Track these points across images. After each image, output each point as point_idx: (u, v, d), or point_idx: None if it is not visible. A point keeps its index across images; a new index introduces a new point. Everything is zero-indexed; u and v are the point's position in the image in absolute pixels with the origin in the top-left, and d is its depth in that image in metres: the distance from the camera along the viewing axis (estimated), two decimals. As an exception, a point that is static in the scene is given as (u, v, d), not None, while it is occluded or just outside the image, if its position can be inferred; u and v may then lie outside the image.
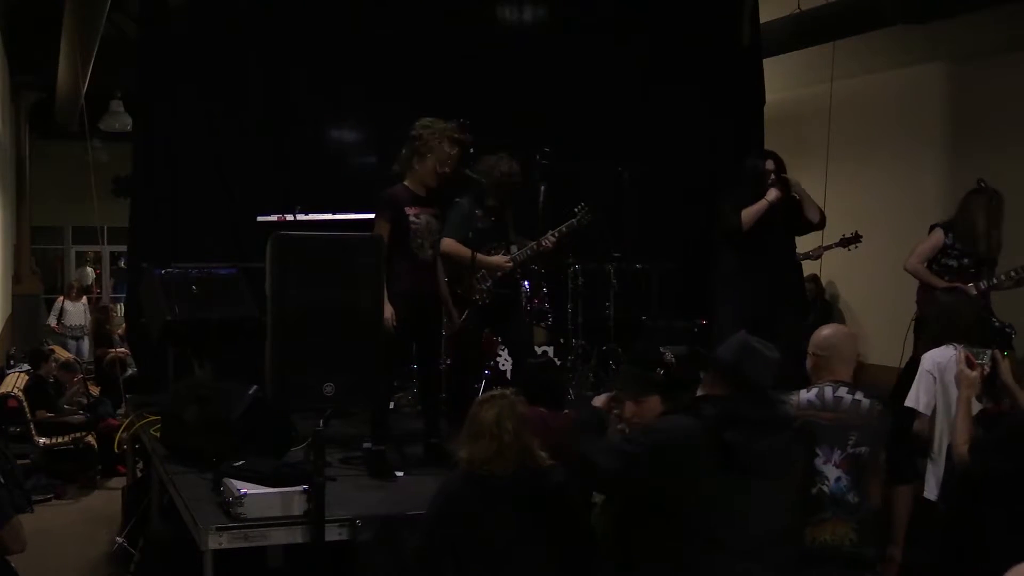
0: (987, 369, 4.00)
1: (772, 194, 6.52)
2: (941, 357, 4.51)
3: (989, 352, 4.07)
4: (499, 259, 6.18)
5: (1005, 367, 4.07)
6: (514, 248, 6.38)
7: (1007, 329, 5.92)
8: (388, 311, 5.13)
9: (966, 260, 6.24)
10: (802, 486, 3.36)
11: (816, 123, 9.55)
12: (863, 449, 3.60)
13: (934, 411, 4.41)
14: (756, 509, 3.19)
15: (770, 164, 6.72)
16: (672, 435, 3.40)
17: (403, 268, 5.28)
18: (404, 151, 5.42)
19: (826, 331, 3.86)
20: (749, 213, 6.51)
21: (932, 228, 6.39)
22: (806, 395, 3.68)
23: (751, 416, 3.24)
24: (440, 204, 5.52)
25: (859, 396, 3.66)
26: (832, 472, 3.57)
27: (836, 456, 3.60)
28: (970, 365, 3.94)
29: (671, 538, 3.29)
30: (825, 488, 3.57)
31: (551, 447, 3.83)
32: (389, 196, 5.35)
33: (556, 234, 6.50)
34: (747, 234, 6.50)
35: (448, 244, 5.84)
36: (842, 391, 3.66)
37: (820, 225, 6.88)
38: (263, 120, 7.72)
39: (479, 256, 6.02)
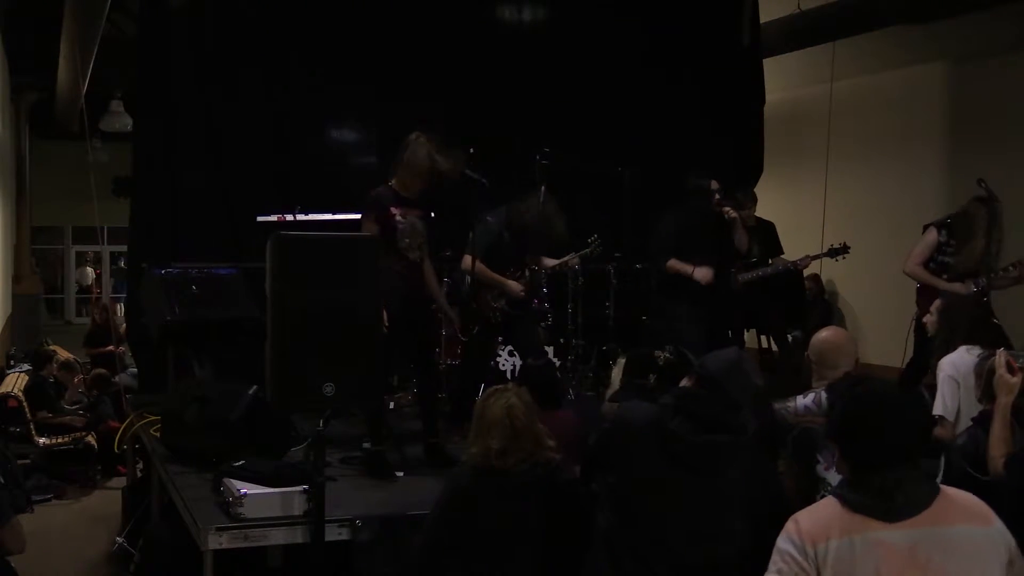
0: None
1: (700, 273, 6.69)
2: (959, 361, 4.50)
3: None
4: (515, 285, 6.20)
5: None
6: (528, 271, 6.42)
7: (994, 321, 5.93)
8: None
9: (964, 266, 6.27)
10: (763, 496, 3.26)
11: (816, 123, 9.55)
12: None
13: (956, 415, 4.41)
14: (686, 504, 3.17)
15: (715, 184, 6.90)
16: (629, 416, 3.42)
17: (393, 268, 5.28)
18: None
19: (824, 334, 3.82)
20: (674, 267, 6.74)
21: (926, 228, 6.42)
22: (803, 400, 3.65)
23: (701, 412, 3.22)
24: (440, 208, 5.53)
25: None
26: (835, 478, 3.52)
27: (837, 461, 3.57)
28: (1011, 370, 3.74)
29: (617, 521, 3.30)
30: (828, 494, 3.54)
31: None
32: (374, 197, 5.38)
33: (575, 263, 6.68)
34: (685, 249, 6.73)
35: (477, 266, 5.94)
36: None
37: (746, 255, 7.34)
38: (263, 120, 7.71)
39: (499, 278, 6.12)
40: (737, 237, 6.97)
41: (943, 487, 2.59)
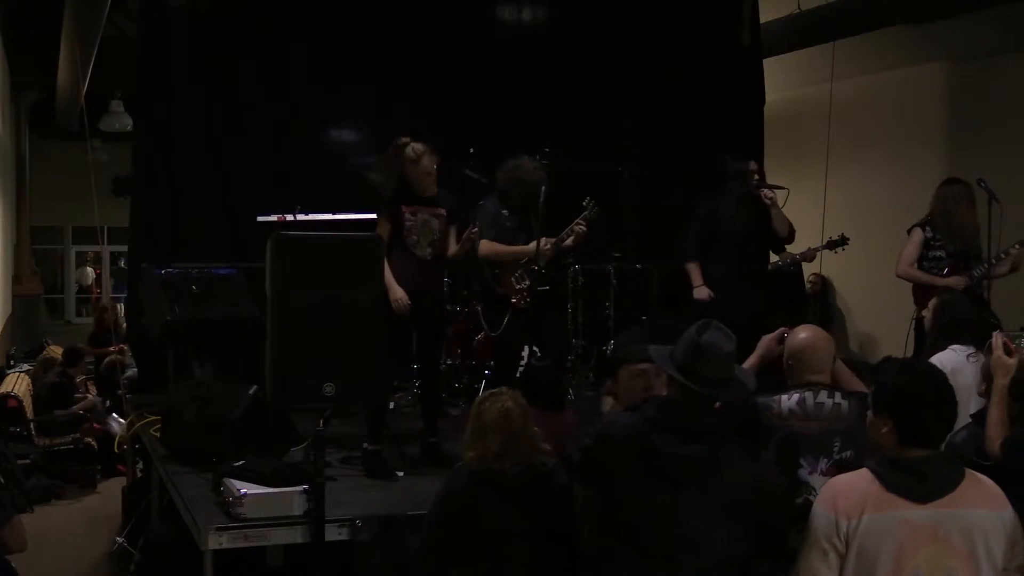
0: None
1: (697, 292, 6.71)
2: (946, 360, 4.51)
3: None
4: (530, 248, 5.99)
5: None
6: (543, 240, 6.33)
7: (992, 320, 5.94)
8: (399, 292, 5.21)
9: (952, 248, 6.31)
10: (752, 497, 3.19)
11: (816, 123, 9.55)
12: (848, 453, 3.56)
13: None
14: (674, 517, 3.12)
15: (753, 165, 6.79)
16: (611, 430, 3.37)
17: (400, 266, 5.32)
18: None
19: (803, 334, 3.79)
20: (689, 271, 6.75)
21: (910, 230, 6.47)
22: (787, 403, 3.60)
23: (680, 422, 3.17)
24: (447, 205, 5.53)
25: (838, 399, 3.61)
26: (819, 481, 3.49)
27: (823, 465, 3.55)
28: (1008, 351, 3.77)
29: (610, 538, 3.27)
30: (812, 498, 3.53)
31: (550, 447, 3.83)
32: (385, 198, 5.43)
33: (582, 222, 6.45)
34: (716, 240, 6.68)
35: (485, 245, 5.87)
36: (822, 396, 3.60)
37: (788, 239, 7.03)
38: (263, 120, 7.71)
39: (515, 249, 5.99)
40: (775, 221, 6.70)
41: (968, 471, 2.80)
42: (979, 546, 2.73)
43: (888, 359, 3.28)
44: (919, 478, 2.74)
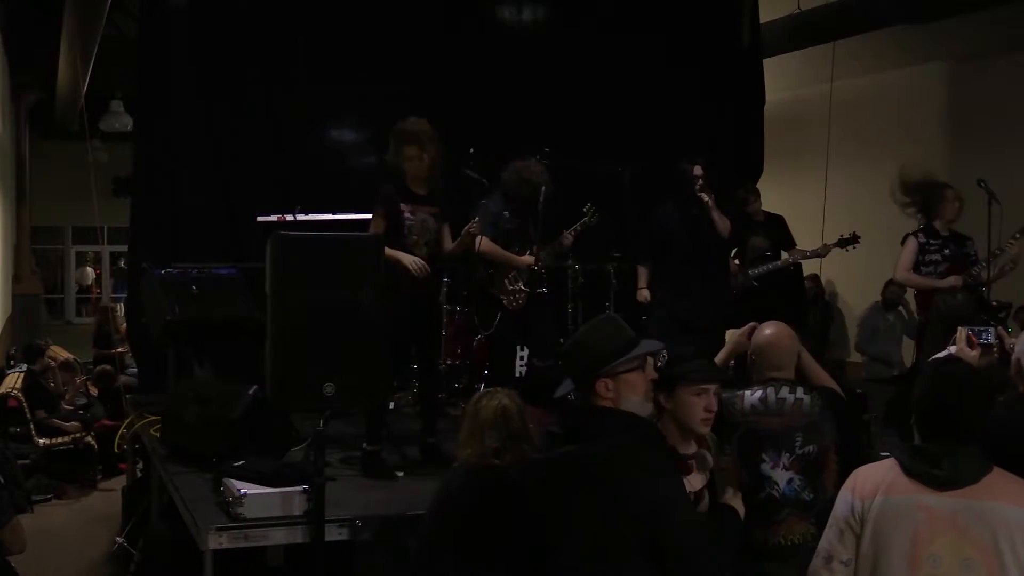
0: (996, 349, 3.93)
1: (640, 294, 6.97)
2: None
3: (993, 329, 3.98)
4: (526, 259, 6.26)
5: (1010, 341, 3.93)
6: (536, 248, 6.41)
7: (1001, 313, 5.95)
8: (408, 257, 5.20)
9: (947, 251, 6.34)
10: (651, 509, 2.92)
11: (816, 123, 9.55)
12: (811, 448, 3.58)
13: None
14: (573, 531, 2.98)
15: (698, 170, 6.84)
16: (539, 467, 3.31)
17: (398, 266, 5.28)
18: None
19: (767, 330, 3.82)
20: (640, 273, 6.99)
21: (904, 239, 6.50)
22: (751, 398, 3.62)
23: (568, 424, 3.06)
24: (442, 204, 5.53)
25: (800, 394, 3.63)
26: (782, 476, 3.56)
27: (785, 459, 3.57)
28: (970, 344, 3.86)
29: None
30: (775, 492, 3.55)
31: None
32: (384, 193, 5.40)
33: (572, 232, 6.63)
34: (667, 242, 6.86)
35: (485, 244, 5.92)
36: (784, 391, 3.63)
37: (734, 240, 7.32)
38: (263, 120, 7.71)
39: (509, 255, 6.18)
40: (716, 222, 6.83)
41: (997, 468, 2.82)
42: (1002, 540, 2.73)
43: (928, 361, 3.32)
44: (934, 465, 2.80)
